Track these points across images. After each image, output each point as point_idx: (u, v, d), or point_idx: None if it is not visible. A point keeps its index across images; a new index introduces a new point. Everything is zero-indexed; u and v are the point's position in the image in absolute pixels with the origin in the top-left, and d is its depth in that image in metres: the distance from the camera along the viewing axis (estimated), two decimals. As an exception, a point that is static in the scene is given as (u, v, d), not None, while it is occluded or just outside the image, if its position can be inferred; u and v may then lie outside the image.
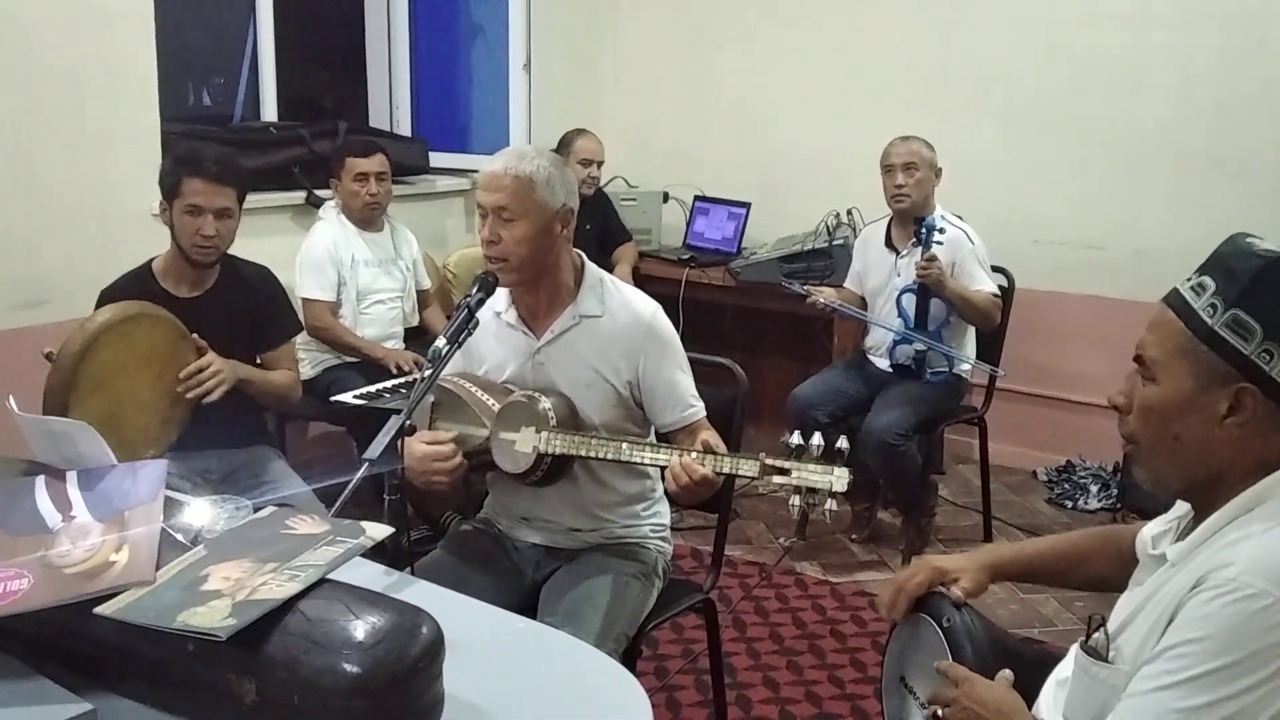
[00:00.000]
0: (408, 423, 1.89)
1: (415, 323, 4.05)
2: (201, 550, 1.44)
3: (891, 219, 3.89)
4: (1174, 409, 1.37)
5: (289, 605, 1.29)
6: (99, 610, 1.31)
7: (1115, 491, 4.21)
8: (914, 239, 3.69)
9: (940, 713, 1.56)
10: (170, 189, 2.70)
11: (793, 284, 3.94)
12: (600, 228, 4.66)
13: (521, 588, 2.23)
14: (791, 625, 3.32)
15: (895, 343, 3.76)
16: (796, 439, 1.88)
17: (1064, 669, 1.55)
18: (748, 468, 1.91)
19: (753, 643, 3.21)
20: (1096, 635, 1.43)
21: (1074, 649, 1.48)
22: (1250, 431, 1.33)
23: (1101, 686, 1.39)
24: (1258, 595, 1.23)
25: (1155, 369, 1.38)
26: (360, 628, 1.27)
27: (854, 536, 3.96)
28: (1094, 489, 4.30)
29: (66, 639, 1.36)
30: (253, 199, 3.04)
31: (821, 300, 3.79)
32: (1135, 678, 1.32)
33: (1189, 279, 1.39)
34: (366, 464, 1.80)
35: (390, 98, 5.20)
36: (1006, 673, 1.55)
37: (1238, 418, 1.33)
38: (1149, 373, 1.39)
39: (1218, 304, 1.33)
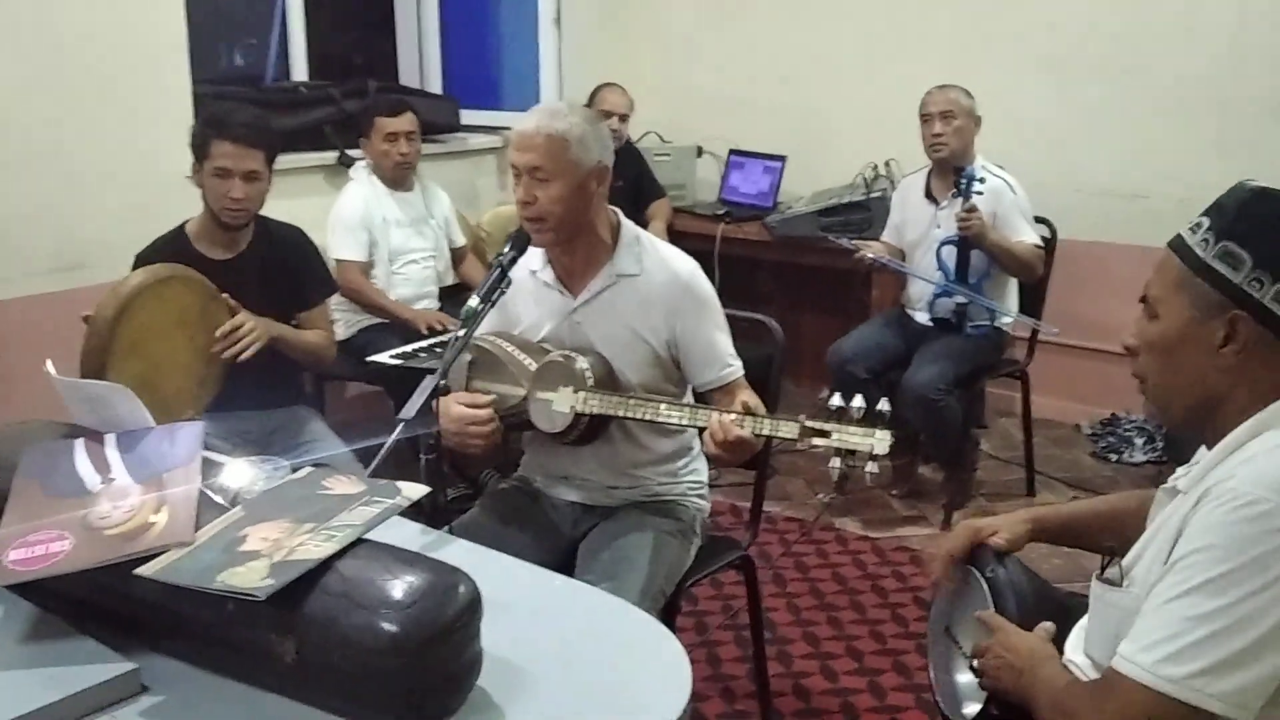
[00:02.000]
0: (442, 382, 1.88)
1: (450, 281, 4.05)
2: (239, 511, 1.43)
3: (931, 170, 3.82)
4: (1175, 341, 1.41)
5: (326, 565, 1.28)
6: (139, 571, 1.31)
7: (1160, 444, 4.15)
8: (954, 190, 3.62)
9: (976, 663, 1.57)
10: (199, 151, 2.70)
11: (840, 238, 3.88)
12: (633, 183, 4.62)
13: (559, 546, 2.23)
14: (831, 581, 3.31)
15: (935, 296, 3.71)
16: (837, 400, 1.84)
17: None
18: (787, 430, 1.89)
19: (793, 598, 3.20)
20: (1111, 567, 1.46)
21: (1092, 582, 1.49)
22: (1248, 359, 1.36)
23: (1116, 611, 1.41)
24: (1257, 501, 1.25)
25: (1157, 306, 1.43)
26: (398, 587, 1.26)
27: (894, 492, 3.93)
28: (1139, 442, 4.24)
29: (109, 599, 1.37)
30: (284, 160, 3.03)
31: (870, 255, 3.74)
32: (1149, 597, 1.33)
33: (1191, 220, 1.44)
34: (402, 424, 1.79)
35: (420, 55, 5.17)
36: (1048, 625, 1.56)
37: (1233, 345, 1.36)
38: (1152, 310, 1.45)
39: (1209, 238, 1.38)
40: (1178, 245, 1.42)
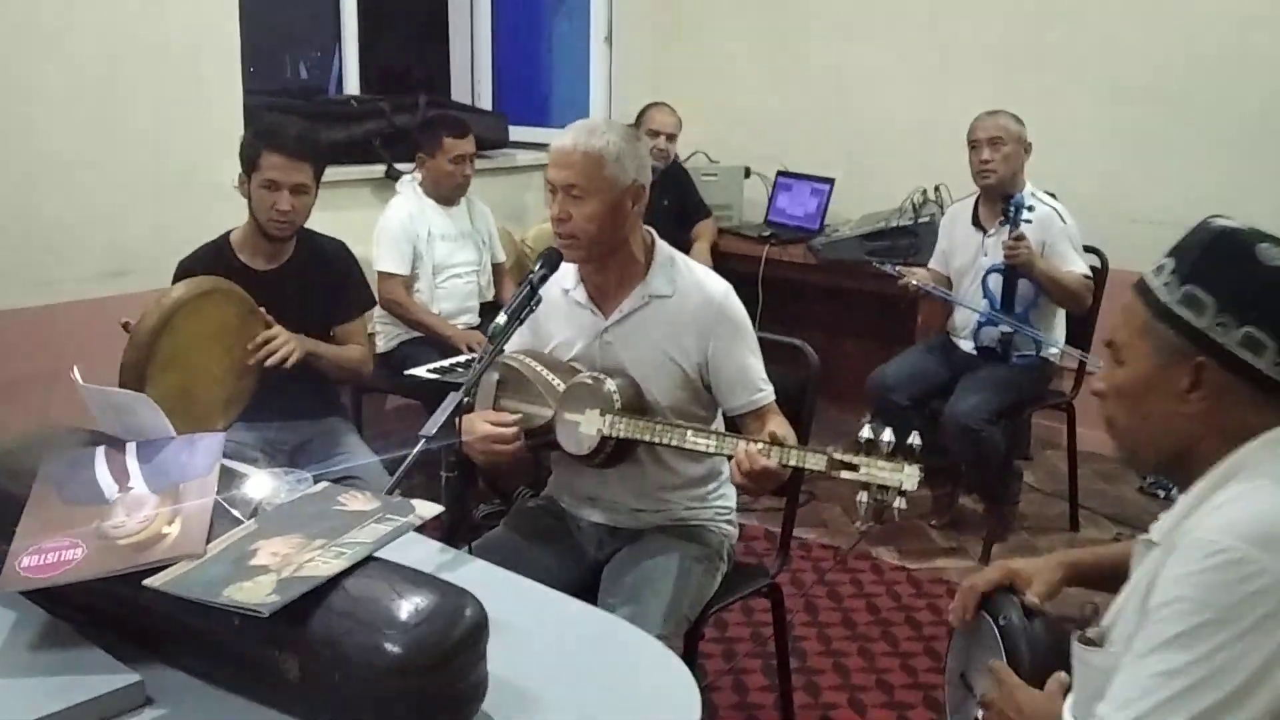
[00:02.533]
0: (466, 399, 1.87)
1: (491, 297, 4.05)
2: (252, 525, 1.43)
3: (979, 197, 3.77)
4: (1141, 388, 1.38)
5: (333, 583, 1.28)
6: (148, 582, 1.32)
7: (1210, 482, 4.05)
8: (1001, 217, 3.57)
9: (980, 715, 1.54)
10: (249, 162, 2.72)
11: (884, 264, 3.83)
12: (679, 203, 4.61)
13: (583, 567, 2.21)
14: (865, 611, 3.26)
15: (980, 324, 3.65)
16: (867, 433, 1.81)
17: None
18: (814, 462, 1.86)
19: (824, 628, 3.15)
20: (1092, 626, 1.42)
21: (1072, 643, 1.44)
22: (1215, 405, 1.33)
23: (1098, 674, 1.36)
24: (1226, 550, 1.21)
25: (1122, 351, 1.40)
26: (404, 607, 1.25)
27: (934, 522, 3.87)
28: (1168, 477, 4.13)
29: (118, 609, 1.37)
30: (333, 172, 3.05)
31: (914, 282, 3.69)
32: (1126, 654, 1.29)
33: (1156, 261, 1.40)
34: (422, 441, 1.78)
35: (472, 71, 5.21)
36: (1061, 676, 1.51)
37: (1199, 392, 1.33)
38: (1118, 355, 1.42)
39: (1173, 281, 1.34)
40: (1141, 288, 1.38)
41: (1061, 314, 3.71)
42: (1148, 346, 1.36)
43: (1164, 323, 1.34)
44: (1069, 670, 1.50)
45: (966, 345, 3.77)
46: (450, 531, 1.82)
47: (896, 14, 4.81)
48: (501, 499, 3.66)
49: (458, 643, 1.25)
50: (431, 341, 3.71)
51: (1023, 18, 4.53)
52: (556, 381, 2.14)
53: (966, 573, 3.47)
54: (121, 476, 1.51)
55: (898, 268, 3.78)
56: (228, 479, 1.57)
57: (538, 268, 2.07)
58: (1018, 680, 1.50)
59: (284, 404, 2.72)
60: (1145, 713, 1.21)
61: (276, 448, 2.74)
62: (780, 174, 4.96)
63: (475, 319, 3.93)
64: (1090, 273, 3.60)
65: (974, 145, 3.66)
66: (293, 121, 2.90)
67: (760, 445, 1.90)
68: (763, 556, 3.29)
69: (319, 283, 2.86)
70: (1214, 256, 1.32)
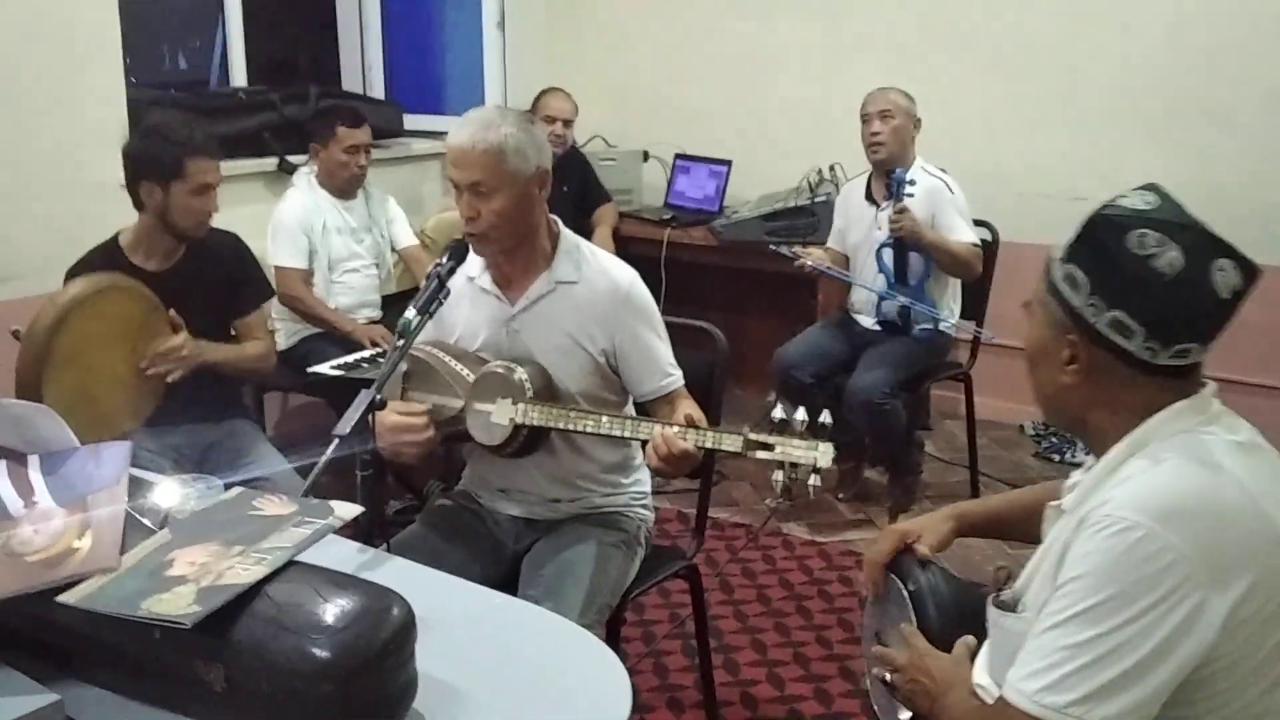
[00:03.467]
0: (379, 397, 1.85)
1: (392, 290, 4.00)
2: (166, 535, 1.40)
3: (871, 173, 3.84)
4: (1035, 353, 1.44)
5: (256, 590, 1.26)
6: (62, 598, 1.28)
7: (1101, 444, 4.20)
8: (886, 191, 3.65)
9: (887, 677, 1.58)
10: (171, 170, 2.63)
11: (779, 247, 3.88)
12: (578, 189, 4.60)
13: (502, 561, 2.20)
14: (779, 587, 3.32)
15: (881, 298, 3.73)
16: (780, 413, 1.84)
17: None
18: (730, 443, 1.88)
19: (740, 605, 3.20)
20: (1005, 589, 1.47)
21: (988, 606, 1.49)
22: (1091, 379, 1.37)
23: (1012, 637, 1.41)
24: (1132, 527, 1.25)
25: (1029, 315, 1.46)
26: (329, 611, 1.24)
27: (841, 495, 3.95)
28: (1081, 442, 4.29)
29: (31, 628, 1.33)
30: (225, 166, 2.97)
31: (810, 263, 3.75)
32: (1036, 622, 1.34)
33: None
34: (336, 440, 1.75)
35: (363, 60, 5.12)
36: (969, 640, 1.56)
37: (1075, 366, 1.37)
38: (1028, 317, 1.46)
39: (1063, 256, 1.38)
40: (1047, 260, 1.42)
41: (957, 285, 3.81)
42: (1043, 314, 1.41)
43: (1051, 295, 1.39)
44: (976, 633, 1.55)
45: (867, 321, 3.84)
46: (368, 531, 1.80)
47: (788, -4, 4.87)
48: (413, 494, 3.63)
49: (386, 643, 1.24)
50: (333, 337, 3.65)
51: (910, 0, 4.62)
52: (465, 372, 2.12)
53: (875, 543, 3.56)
54: (25, 490, 1.47)
55: (794, 250, 3.84)
56: (135, 488, 1.53)
57: (445, 260, 2.06)
58: (927, 645, 1.55)
59: (187, 407, 2.65)
60: (1052, 684, 1.26)
61: (181, 453, 2.68)
62: (678, 157, 4.98)
63: (377, 313, 3.87)
64: (979, 241, 3.70)
65: (865, 119, 3.73)
66: (187, 120, 2.83)
67: (676, 428, 1.91)
68: (676, 538, 3.32)
69: (214, 279, 2.79)
70: (1089, 239, 1.36)
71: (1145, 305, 1.31)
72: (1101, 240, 1.34)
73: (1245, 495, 1.28)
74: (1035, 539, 1.87)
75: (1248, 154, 3.98)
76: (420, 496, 3.54)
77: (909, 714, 1.61)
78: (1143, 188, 1.39)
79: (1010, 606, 1.44)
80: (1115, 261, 1.32)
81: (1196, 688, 1.27)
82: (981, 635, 1.55)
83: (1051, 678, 1.26)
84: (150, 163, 2.64)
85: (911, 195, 3.55)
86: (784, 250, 3.83)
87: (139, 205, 2.68)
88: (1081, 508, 1.35)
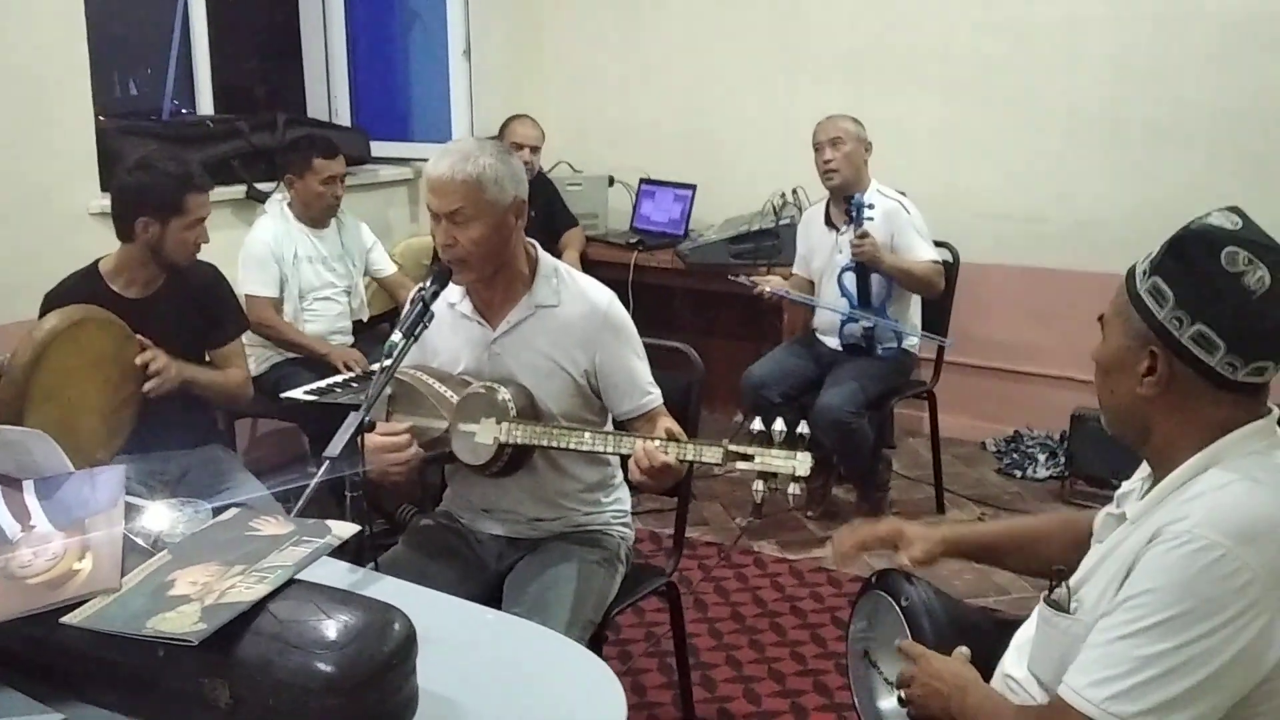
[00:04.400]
0: (367, 419, 1.87)
1: (364, 317, 4.02)
2: (166, 555, 1.42)
3: (829, 199, 3.92)
4: (1110, 363, 1.46)
5: (259, 607, 1.28)
6: (66, 619, 1.30)
7: (1063, 459, 4.29)
8: (846, 217, 3.72)
9: (903, 693, 1.61)
10: (171, 206, 2.65)
11: (739, 276, 3.94)
12: (545, 214, 4.64)
13: (485, 580, 2.23)
14: (752, 604, 3.36)
15: (844, 322, 3.80)
16: (758, 425, 1.89)
17: (1026, 630, 1.60)
18: (711, 455, 1.92)
19: (714, 623, 3.24)
20: (1059, 589, 1.49)
21: (1038, 605, 1.53)
22: (1169, 393, 1.40)
23: (1064, 637, 1.44)
24: (1210, 546, 1.28)
25: (1105, 326, 1.48)
26: (332, 627, 1.26)
27: (810, 513, 4.00)
28: (1042, 458, 4.38)
29: (33, 650, 1.34)
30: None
31: (768, 290, 3.81)
32: (1095, 629, 1.37)
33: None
34: (327, 463, 1.78)
35: (328, 87, 5.14)
36: (963, 650, 1.61)
37: (1154, 378, 1.39)
38: (1104, 330, 1.48)
39: (1147, 269, 1.41)
40: (1129, 271, 1.45)
41: (917, 304, 3.89)
42: (1120, 327, 1.43)
43: (1134, 307, 1.41)
44: (967, 643, 1.60)
45: (831, 342, 3.91)
46: (356, 551, 1.82)
47: (749, 24, 4.95)
48: (385, 518, 3.63)
49: (389, 658, 1.27)
50: (305, 362, 3.66)
51: (866, 26, 4.71)
52: (449, 393, 2.16)
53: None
54: (22, 515, 1.48)
55: (752, 279, 3.89)
56: (125, 512, 1.54)
57: (429, 284, 2.09)
58: (930, 651, 1.59)
59: (162, 433, 2.67)
60: (1121, 692, 1.30)
61: (158, 479, 2.68)
62: (643, 181, 5.05)
63: (348, 339, 3.88)
64: (939, 259, 3.77)
65: (817, 147, 3.80)
66: (178, 154, 2.87)
67: (658, 442, 1.96)
68: (650, 558, 3.35)
69: (193, 307, 2.81)
70: (1179, 254, 1.37)
71: (1231, 321, 1.34)
72: (1192, 255, 1.36)
73: None
74: (1026, 570, 1.93)
75: (1192, 173, 4.11)
76: (392, 520, 3.55)
77: None
78: (1227, 209, 1.41)
79: (1062, 606, 1.47)
80: (1204, 277, 1.35)
81: (1252, 701, 1.31)
82: (975, 646, 1.60)
83: (1121, 686, 1.30)
84: (150, 198, 2.65)
85: (871, 219, 3.62)
86: (743, 279, 3.88)
87: (127, 236, 2.68)
88: (1150, 519, 1.38)
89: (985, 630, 1.73)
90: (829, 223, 3.89)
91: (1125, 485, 1.56)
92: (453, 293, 2.23)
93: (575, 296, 2.23)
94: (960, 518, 3.98)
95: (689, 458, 1.95)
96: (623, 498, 2.37)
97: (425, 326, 2.05)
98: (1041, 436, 4.49)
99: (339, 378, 3.45)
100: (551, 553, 2.21)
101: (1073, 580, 1.50)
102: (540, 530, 2.27)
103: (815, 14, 4.82)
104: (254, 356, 3.70)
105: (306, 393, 3.31)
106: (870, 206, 3.63)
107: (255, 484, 2.76)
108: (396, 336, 2.00)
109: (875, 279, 3.72)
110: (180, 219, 2.65)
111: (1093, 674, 1.33)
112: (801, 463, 1.85)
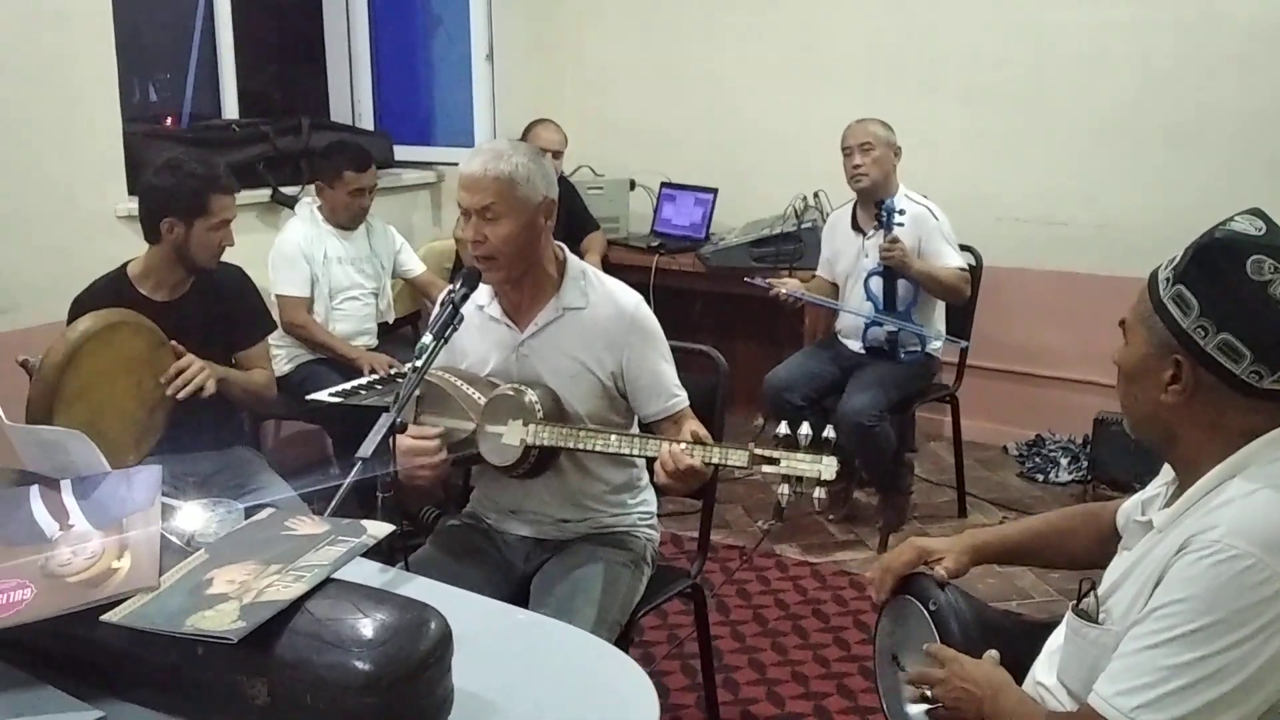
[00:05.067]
0: (399, 420, 1.89)
1: (391, 319, 4.04)
2: (203, 554, 1.44)
3: (856, 202, 3.92)
4: (1134, 371, 1.46)
5: (297, 605, 1.29)
6: (106, 617, 1.31)
7: (1085, 464, 4.28)
8: (876, 222, 3.71)
9: (929, 693, 1.61)
10: (196, 207, 2.67)
11: (754, 279, 3.94)
12: (566, 217, 4.62)
13: (512, 581, 2.24)
14: (774, 607, 3.36)
15: (868, 325, 3.80)
16: (784, 429, 1.89)
17: (1058, 637, 1.59)
18: (736, 458, 1.93)
19: (737, 625, 3.24)
20: (1087, 599, 1.48)
21: (1067, 613, 1.53)
22: (1193, 401, 1.39)
23: (1093, 647, 1.44)
24: (1240, 556, 1.28)
25: (1127, 332, 1.48)
26: (369, 625, 1.27)
27: (831, 517, 4.00)
28: (1064, 462, 4.36)
29: (72, 647, 1.36)
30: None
31: (784, 291, 3.81)
32: (1125, 638, 1.37)
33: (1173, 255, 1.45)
34: (360, 463, 1.79)
35: (351, 91, 5.16)
36: (993, 653, 1.61)
37: (1178, 386, 1.39)
38: (1125, 335, 1.48)
39: (1171, 277, 1.41)
40: (1151, 278, 1.44)
41: (941, 308, 3.88)
42: (1143, 334, 1.43)
43: (1158, 315, 1.40)
44: (994, 646, 1.60)
45: (854, 345, 3.90)
46: (388, 551, 1.83)
47: (770, 27, 4.96)
48: (408, 519, 3.64)
49: (425, 656, 1.27)
50: (330, 363, 3.69)
51: (887, 28, 4.72)
52: (476, 395, 2.17)
53: (866, 563, 3.62)
54: (60, 514, 1.50)
55: (768, 281, 3.89)
56: (162, 512, 1.56)
57: (458, 286, 2.10)
58: (961, 655, 1.59)
59: (190, 435, 2.68)
60: (1151, 701, 1.30)
61: (185, 480, 2.70)
62: (665, 185, 5.06)
63: (373, 340, 3.91)
64: (965, 266, 3.77)
65: (847, 152, 3.80)
66: (205, 156, 2.90)
67: (684, 445, 1.96)
68: (672, 561, 3.35)
69: (220, 310, 2.83)
70: (1204, 262, 1.37)
71: (1257, 330, 1.34)
72: (1217, 264, 1.36)
73: None
74: (1051, 565, 1.93)
75: (1215, 177, 4.10)
76: (415, 521, 3.56)
77: None
78: (1249, 212, 1.40)
79: (1090, 616, 1.47)
80: (1230, 286, 1.35)
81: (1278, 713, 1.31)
82: (1002, 649, 1.60)
83: (1149, 696, 1.30)
84: (176, 199, 2.67)
85: (902, 224, 3.62)
86: (758, 282, 3.88)
87: (154, 238, 2.71)
88: (1177, 528, 1.38)
89: (1012, 633, 1.73)
90: (855, 227, 3.89)
91: (1149, 490, 1.56)
92: (481, 295, 2.24)
93: (603, 299, 2.24)
94: (982, 521, 3.97)
95: (715, 460, 1.95)
96: (649, 499, 2.38)
97: (455, 329, 2.06)
98: (1064, 440, 4.48)
99: (364, 380, 3.47)
100: (578, 554, 2.22)
101: (1101, 589, 1.50)
102: (567, 532, 2.28)
103: (837, 18, 4.82)
104: (282, 355, 3.73)
105: (331, 394, 3.32)
106: (901, 212, 3.63)
107: (282, 485, 2.78)
108: (427, 338, 2.01)
109: (902, 284, 3.72)
110: (205, 220, 2.67)
111: (1121, 683, 1.33)
112: (828, 467, 1.86)
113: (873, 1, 4.75)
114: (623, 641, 2.20)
